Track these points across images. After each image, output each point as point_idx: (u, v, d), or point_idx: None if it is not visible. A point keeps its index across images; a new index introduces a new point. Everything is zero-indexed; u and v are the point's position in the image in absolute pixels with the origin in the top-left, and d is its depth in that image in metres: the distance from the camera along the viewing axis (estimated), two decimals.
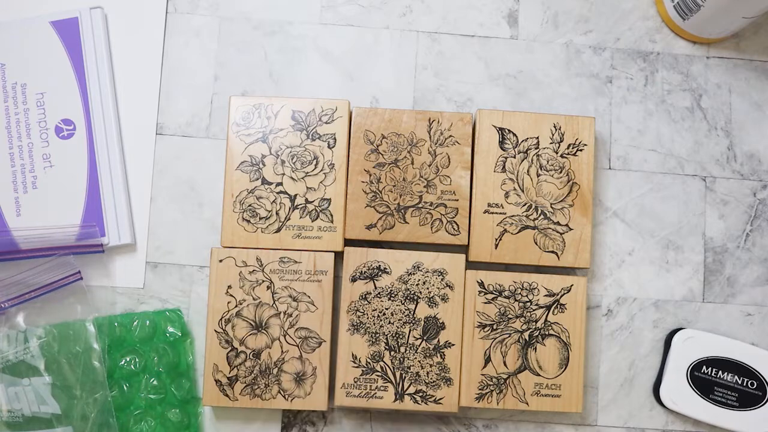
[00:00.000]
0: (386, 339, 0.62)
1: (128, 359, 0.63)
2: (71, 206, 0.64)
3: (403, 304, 0.62)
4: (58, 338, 0.63)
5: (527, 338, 0.63)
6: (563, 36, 0.69)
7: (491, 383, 0.62)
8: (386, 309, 0.62)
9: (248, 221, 0.63)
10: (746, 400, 0.64)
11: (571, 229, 0.64)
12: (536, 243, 0.63)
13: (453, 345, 0.62)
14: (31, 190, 0.65)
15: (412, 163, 0.64)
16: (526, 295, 0.63)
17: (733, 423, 0.64)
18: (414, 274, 0.63)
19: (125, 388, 0.63)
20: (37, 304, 0.63)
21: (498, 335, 0.62)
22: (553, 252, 0.63)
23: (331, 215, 0.63)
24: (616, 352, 0.66)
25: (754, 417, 0.64)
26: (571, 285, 0.63)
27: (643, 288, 0.66)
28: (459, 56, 0.69)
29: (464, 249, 0.64)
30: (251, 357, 0.62)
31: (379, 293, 0.62)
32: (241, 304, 0.62)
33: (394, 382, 0.62)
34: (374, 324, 0.62)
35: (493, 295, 0.63)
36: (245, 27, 0.69)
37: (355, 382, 0.62)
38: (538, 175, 0.64)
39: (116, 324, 0.64)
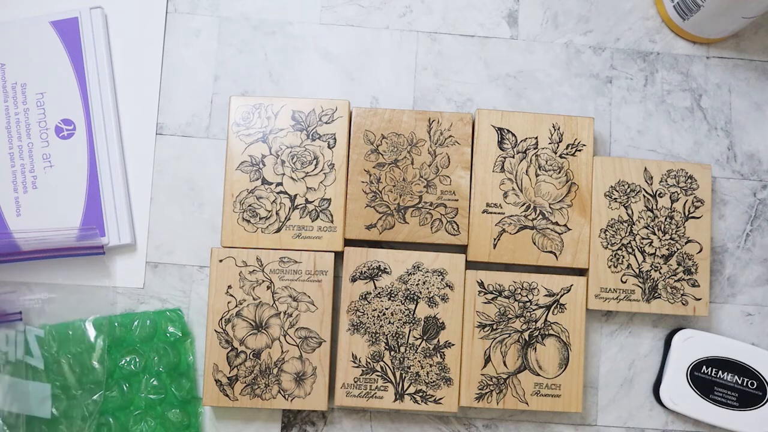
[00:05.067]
0: (386, 339, 0.62)
1: (128, 359, 0.63)
2: (71, 206, 0.65)
3: (403, 304, 0.62)
4: (57, 338, 0.63)
5: (527, 338, 0.63)
6: (563, 36, 0.69)
7: (491, 383, 0.62)
8: (386, 309, 0.62)
9: (248, 221, 0.63)
10: (746, 400, 0.64)
11: (569, 230, 0.64)
12: (534, 243, 0.63)
13: (453, 345, 0.62)
14: (31, 190, 0.65)
15: (412, 163, 0.64)
16: (526, 295, 0.63)
17: (733, 423, 0.64)
18: (414, 274, 0.63)
19: (125, 388, 0.63)
20: (37, 305, 0.63)
21: (498, 335, 0.63)
22: (551, 252, 0.63)
23: (331, 215, 0.63)
24: (615, 352, 0.66)
25: (754, 417, 0.63)
26: (571, 285, 0.63)
27: None
28: (459, 56, 0.69)
29: (464, 249, 0.64)
30: (251, 357, 0.62)
31: (379, 293, 0.62)
32: (241, 304, 0.62)
33: (394, 382, 0.62)
34: (374, 324, 0.62)
35: (493, 295, 0.63)
36: (245, 27, 0.69)
37: (355, 382, 0.62)
38: (537, 175, 0.64)
39: (116, 324, 0.64)
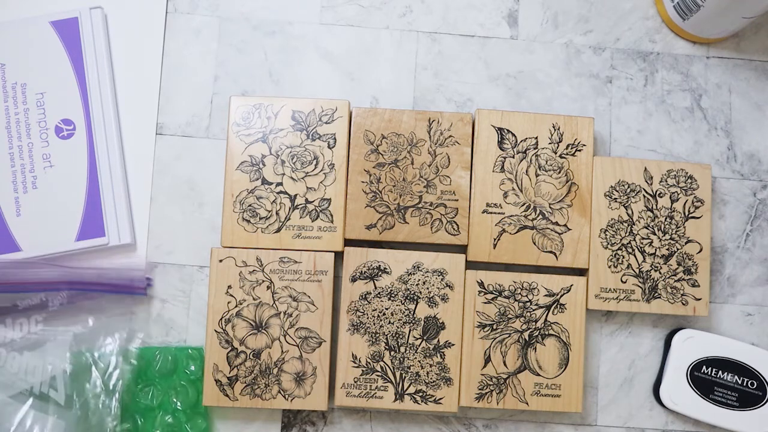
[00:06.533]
0: (386, 339, 0.62)
1: (145, 393, 0.63)
2: (71, 206, 0.65)
3: (403, 304, 0.62)
4: (77, 373, 0.62)
5: (527, 338, 0.63)
6: (563, 36, 0.69)
7: (491, 383, 0.62)
8: (386, 309, 0.62)
9: (248, 221, 0.63)
10: (746, 400, 0.64)
11: (569, 230, 0.64)
12: (534, 243, 0.63)
13: (453, 345, 0.62)
14: (31, 190, 0.65)
15: (412, 163, 0.64)
16: (526, 295, 0.63)
17: (733, 423, 0.64)
18: (414, 274, 0.63)
19: (140, 422, 0.63)
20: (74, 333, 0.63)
21: (498, 335, 0.63)
22: (551, 252, 0.63)
23: (331, 215, 0.63)
24: (615, 352, 0.66)
25: (754, 417, 0.63)
26: (571, 285, 0.63)
27: None
28: (459, 56, 0.69)
29: (464, 249, 0.64)
30: (251, 357, 0.62)
31: (379, 293, 0.62)
32: (241, 304, 0.62)
33: (394, 382, 0.62)
34: (374, 324, 0.62)
35: (493, 295, 0.63)
36: (245, 27, 0.69)
37: (355, 382, 0.62)
38: (537, 175, 0.64)
39: (138, 356, 0.63)
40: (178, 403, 0.63)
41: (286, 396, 0.62)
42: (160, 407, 0.63)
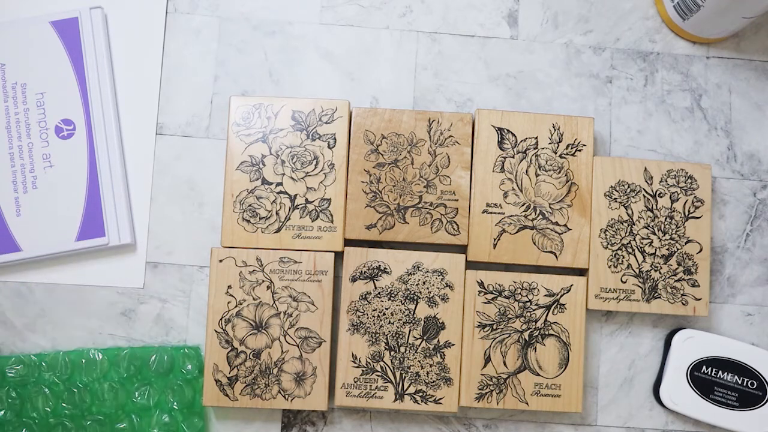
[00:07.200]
0: (386, 339, 0.62)
1: (142, 392, 0.63)
2: (71, 206, 0.65)
3: (403, 304, 0.62)
4: (70, 365, 0.63)
5: (527, 338, 0.63)
6: (563, 36, 0.69)
7: (491, 383, 0.62)
8: (386, 309, 0.62)
9: (248, 221, 0.63)
10: (746, 400, 0.64)
11: (569, 230, 0.64)
12: (534, 243, 0.63)
13: (453, 345, 0.62)
14: (31, 190, 0.65)
15: (412, 163, 0.64)
16: (526, 295, 0.63)
17: (733, 423, 0.64)
18: (414, 274, 0.63)
19: (136, 421, 0.63)
20: None
21: (498, 335, 0.63)
22: (551, 252, 0.63)
23: (331, 215, 0.63)
24: (615, 352, 0.66)
25: (754, 417, 0.63)
26: (571, 285, 0.63)
27: None
28: (459, 56, 0.69)
29: (464, 249, 0.64)
30: (251, 357, 0.62)
31: (379, 293, 0.62)
32: (241, 304, 0.62)
33: (394, 382, 0.62)
34: (374, 324, 0.62)
35: (493, 295, 0.63)
36: (245, 27, 0.69)
37: (355, 382, 0.62)
38: (537, 175, 0.64)
39: (135, 356, 0.63)
40: (175, 403, 0.63)
41: (286, 396, 0.62)
42: (157, 406, 0.63)
